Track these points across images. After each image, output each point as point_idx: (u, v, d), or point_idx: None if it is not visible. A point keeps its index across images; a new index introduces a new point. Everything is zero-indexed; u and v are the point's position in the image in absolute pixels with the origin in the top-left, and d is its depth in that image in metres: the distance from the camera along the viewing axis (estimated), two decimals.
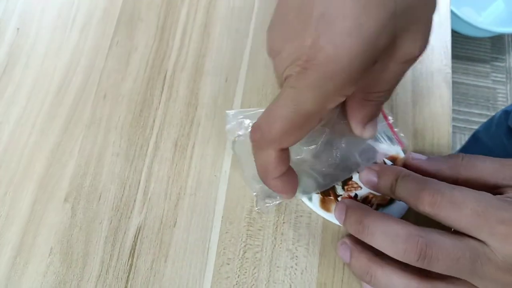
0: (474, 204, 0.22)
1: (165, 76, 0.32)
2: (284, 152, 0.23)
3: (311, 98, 0.19)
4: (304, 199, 0.29)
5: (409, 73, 0.34)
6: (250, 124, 0.29)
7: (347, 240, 0.26)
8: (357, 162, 0.29)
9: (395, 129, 0.30)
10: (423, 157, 0.28)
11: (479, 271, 0.22)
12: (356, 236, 0.25)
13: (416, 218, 0.27)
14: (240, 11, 0.35)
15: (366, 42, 0.18)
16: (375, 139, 0.30)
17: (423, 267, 0.22)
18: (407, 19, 0.19)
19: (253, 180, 0.29)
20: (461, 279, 0.23)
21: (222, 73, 0.33)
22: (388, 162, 0.30)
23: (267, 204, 0.28)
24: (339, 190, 0.29)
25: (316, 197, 0.29)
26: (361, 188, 0.29)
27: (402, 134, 0.30)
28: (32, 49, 0.33)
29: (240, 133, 0.29)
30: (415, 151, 0.31)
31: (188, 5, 0.35)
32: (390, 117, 0.30)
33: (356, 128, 0.24)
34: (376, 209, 0.29)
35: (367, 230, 0.24)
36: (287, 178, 0.25)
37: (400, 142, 0.30)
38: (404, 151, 0.30)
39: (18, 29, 0.33)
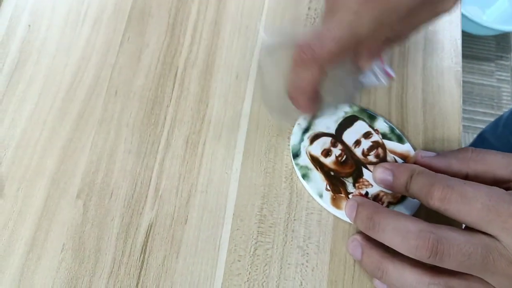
0: (485, 199, 0.22)
1: (176, 73, 0.33)
2: (324, 71, 0.25)
3: (369, 24, 0.23)
4: (316, 197, 0.29)
5: (419, 71, 0.34)
6: (288, 36, 0.30)
7: (357, 237, 0.27)
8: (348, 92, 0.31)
9: (385, 64, 0.33)
10: (432, 153, 0.28)
11: (490, 267, 0.22)
12: (366, 233, 0.25)
13: (427, 215, 0.27)
14: (250, 8, 0.35)
15: None
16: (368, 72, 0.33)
17: (434, 264, 0.22)
18: None
19: (276, 96, 0.30)
20: (472, 274, 0.23)
21: (232, 70, 0.33)
22: (399, 160, 0.30)
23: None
24: (350, 188, 0.29)
25: (327, 195, 0.29)
26: (372, 186, 0.29)
27: (389, 69, 0.33)
28: (43, 46, 0.33)
29: (274, 42, 0.30)
30: (425, 149, 0.31)
31: (198, 2, 0.35)
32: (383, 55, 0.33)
33: (363, 60, 0.27)
34: (387, 207, 0.29)
35: (378, 226, 0.24)
36: (316, 97, 0.27)
37: (387, 73, 0.33)
38: (414, 148, 0.31)
39: (29, 25, 0.34)
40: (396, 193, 0.29)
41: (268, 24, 0.30)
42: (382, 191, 0.29)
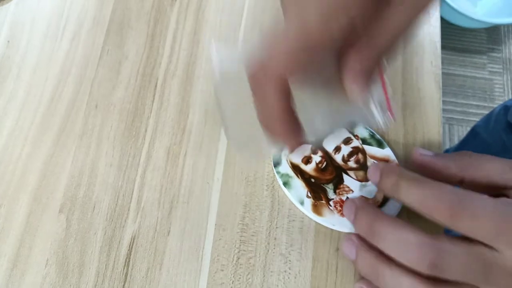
0: (493, 215, 0.22)
1: (156, 84, 0.33)
2: (288, 88, 0.21)
3: (316, 16, 0.18)
4: (297, 204, 0.29)
5: (398, 75, 0.34)
6: (241, 59, 0.24)
7: (353, 237, 0.26)
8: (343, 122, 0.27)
9: (389, 95, 0.27)
10: (430, 153, 0.27)
11: (490, 278, 0.22)
12: (365, 238, 0.25)
13: (408, 217, 0.28)
14: (229, 16, 0.35)
15: None
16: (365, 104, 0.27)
17: (434, 275, 0.22)
18: None
19: (241, 130, 0.26)
20: (470, 284, 0.23)
21: (212, 79, 0.33)
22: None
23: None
24: (331, 194, 0.29)
25: (308, 202, 0.29)
26: (353, 191, 0.29)
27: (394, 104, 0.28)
28: (23, 61, 0.33)
29: (228, 69, 0.25)
30: (406, 153, 0.32)
31: (177, 12, 0.35)
32: (386, 80, 0.26)
33: (348, 83, 0.21)
34: None
35: (378, 235, 0.24)
36: (294, 121, 0.22)
37: (390, 111, 0.27)
38: (394, 152, 0.31)
39: (8, 41, 0.34)
40: (385, 194, 0.28)
41: (219, 44, 0.27)
42: (363, 196, 0.29)
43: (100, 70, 0.33)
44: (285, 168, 0.30)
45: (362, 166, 0.30)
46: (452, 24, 1.23)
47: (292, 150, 0.25)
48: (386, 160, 0.30)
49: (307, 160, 0.30)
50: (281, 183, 0.30)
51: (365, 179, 0.30)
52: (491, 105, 1.21)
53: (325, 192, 0.30)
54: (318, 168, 0.30)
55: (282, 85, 0.21)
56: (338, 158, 0.31)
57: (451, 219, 0.22)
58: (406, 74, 0.34)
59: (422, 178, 0.24)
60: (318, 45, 0.19)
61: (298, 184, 0.30)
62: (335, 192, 0.30)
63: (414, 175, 0.25)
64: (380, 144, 0.31)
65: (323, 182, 0.30)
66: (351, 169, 0.30)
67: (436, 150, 0.32)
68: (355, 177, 0.30)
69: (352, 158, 0.31)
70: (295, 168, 0.30)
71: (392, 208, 0.29)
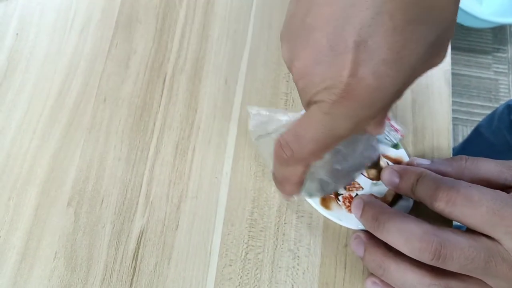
0: (490, 202, 0.22)
1: (164, 79, 0.33)
2: (309, 164, 0.24)
3: (347, 124, 0.20)
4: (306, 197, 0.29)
5: None
6: (276, 130, 0.29)
7: (361, 234, 0.27)
8: (361, 162, 0.29)
9: (390, 119, 0.31)
10: (427, 161, 0.28)
11: (492, 271, 0.22)
12: (371, 231, 0.26)
13: (419, 217, 0.27)
14: (238, 11, 0.35)
15: (407, 74, 0.18)
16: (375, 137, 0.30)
17: (437, 265, 0.22)
18: (440, 43, 0.19)
19: None
20: (474, 277, 0.23)
21: (221, 74, 0.33)
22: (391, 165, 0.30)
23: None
24: (341, 190, 0.29)
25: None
26: (363, 188, 0.29)
27: (397, 126, 0.31)
28: (31, 54, 0.33)
29: (266, 132, 0.29)
30: (415, 150, 0.31)
31: (186, 6, 0.35)
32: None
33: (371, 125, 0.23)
34: None
35: (383, 227, 0.24)
36: (301, 184, 0.26)
37: (396, 130, 0.31)
38: (408, 154, 0.31)
39: (17, 34, 0.34)
40: (403, 194, 0.29)
41: (254, 109, 0.29)
42: (373, 195, 0.29)
43: (109, 63, 0.33)
44: None
45: (375, 165, 0.30)
46: (458, 24, 1.23)
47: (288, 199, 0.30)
48: (399, 161, 0.30)
49: None
50: None
51: (376, 178, 0.30)
52: (496, 105, 1.21)
53: None
54: None
55: (304, 166, 0.24)
56: None
57: (447, 205, 0.23)
58: None
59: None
60: (342, 140, 0.21)
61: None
62: (344, 187, 0.29)
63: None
64: (395, 145, 0.31)
65: None
66: None
67: (445, 147, 0.32)
68: (366, 175, 0.30)
69: None
70: None
71: (402, 208, 0.29)
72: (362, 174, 0.30)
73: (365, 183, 0.29)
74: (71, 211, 0.29)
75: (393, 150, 0.31)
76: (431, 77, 0.34)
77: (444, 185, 0.24)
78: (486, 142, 0.65)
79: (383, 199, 0.29)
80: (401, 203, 0.29)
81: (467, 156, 0.27)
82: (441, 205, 0.23)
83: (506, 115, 0.62)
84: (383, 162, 0.30)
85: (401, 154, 0.30)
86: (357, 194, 0.29)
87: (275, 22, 0.35)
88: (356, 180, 0.30)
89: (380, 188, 0.29)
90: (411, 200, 0.29)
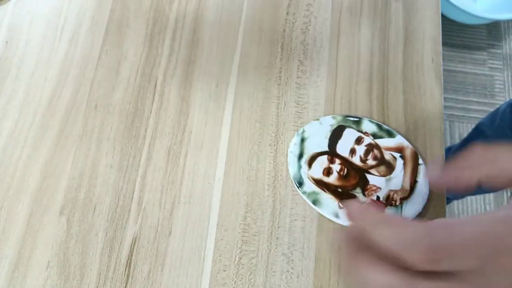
0: (476, 247, 0.19)
1: (155, 84, 0.32)
2: None
3: None
4: (333, 218, 0.29)
5: (399, 72, 0.33)
6: None
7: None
8: None
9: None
10: (439, 166, 0.26)
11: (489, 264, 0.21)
12: (359, 233, 0.24)
13: (430, 218, 0.27)
14: (229, 15, 0.35)
15: None
16: None
17: (429, 259, 0.21)
18: None
19: None
20: (450, 278, 0.22)
21: (212, 79, 0.33)
22: (397, 155, 0.30)
23: None
24: (361, 197, 0.29)
25: (343, 212, 0.28)
26: (380, 188, 0.29)
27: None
28: (21, 62, 0.33)
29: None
30: None
31: (176, 11, 0.35)
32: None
33: None
34: (400, 203, 0.29)
35: (367, 224, 0.22)
36: None
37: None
38: (406, 138, 0.31)
39: (6, 42, 0.33)
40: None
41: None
42: (392, 190, 0.29)
43: (99, 70, 0.33)
44: (309, 186, 0.30)
45: (381, 161, 0.30)
46: (452, 20, 1.23)
47: None
48: (400, 148, 0.30)
49: (328, 172, 0.30)
50: (310, 202, 0.29)
51: (388, 173, 0.30)
52: (491, 101, 1.21)
53: (355, 197, 0.29)
54: (340, 177, 0.30)
55: None
56: (356, 160, 0.30)
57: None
58: (406, 71, 0.34)
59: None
60: None
61: (327, 199, 0.29)
62: (364, 194, 0.29)
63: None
64: (390, 134, 0.31)
65: (349, 188, 0.30)
66: (372, 167, 0.30)
67: (438, 146, 0.32)
68: (377, 174, 0.30)
69: (369, 156, 0.30)
70: (319, 183, 0.30)
71: (419, 198, 0.29)
72: (373, 174, 0.30)
73: (380, 182, 0.30)
74: (64, 219, 0.29)
75: (391, 139, 0.31)
76: (422, 77, 0.33)
77: (422, 243, 0.20)
78: (488, 140, 0.65)
79: (402, 190, 0.29)
80: (418, 193, 0.29)
81: (481, 146, 0.24)
82: (425, 266, 0.20)
83: (508, 113, 0.61)
84: (387, 155, 0.30)
85: (400, 141, 0.31)
86: (377, 197, 0.29)
87: (266, 25, 0.34)
88: (371, 183, 0.30)
89: (395, 180, 0.30)
90: (420, 204, 0.29)
